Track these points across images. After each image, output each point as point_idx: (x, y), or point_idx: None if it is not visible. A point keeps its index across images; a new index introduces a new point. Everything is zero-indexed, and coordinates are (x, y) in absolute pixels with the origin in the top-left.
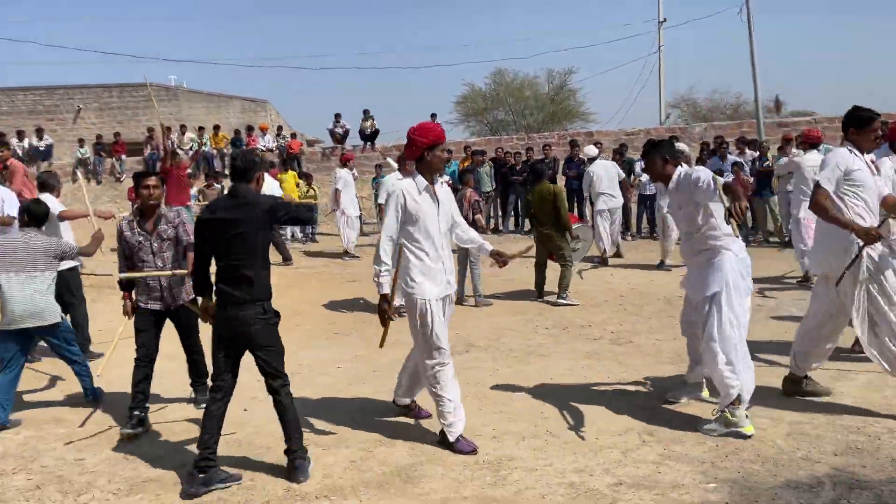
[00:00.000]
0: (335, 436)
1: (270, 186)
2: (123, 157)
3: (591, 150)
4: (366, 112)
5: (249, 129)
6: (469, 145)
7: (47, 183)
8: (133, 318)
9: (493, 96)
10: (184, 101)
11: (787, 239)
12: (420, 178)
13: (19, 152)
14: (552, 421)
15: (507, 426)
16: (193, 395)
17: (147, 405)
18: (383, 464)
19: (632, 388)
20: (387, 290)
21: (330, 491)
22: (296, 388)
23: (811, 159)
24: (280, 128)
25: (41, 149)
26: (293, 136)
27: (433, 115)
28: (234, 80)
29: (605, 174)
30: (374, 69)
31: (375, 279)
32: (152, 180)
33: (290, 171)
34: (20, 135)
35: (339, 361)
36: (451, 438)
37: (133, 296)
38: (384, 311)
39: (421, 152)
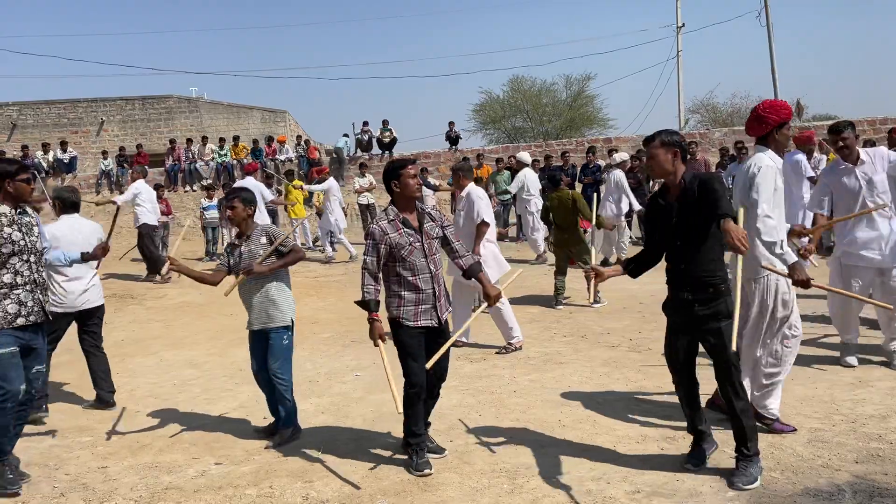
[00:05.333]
0: (353, 444)
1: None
2: (146, 168)
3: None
4: (385, 123)
5: (269, 139)
6: (482, 153)
7: (76, 202)
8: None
9: (510, 104)
10: (204, 113)
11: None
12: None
13: (44, 165)
14: (570, 429)
15: (525, 435)
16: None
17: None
18: (401, 472)
19: (650, 395)
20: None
21: (348, 499)
22: (313, 397)
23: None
24: (299, 137)
25: (66, 161)
26: (307, 142)
27: (451, 124)
28: (253, 91)
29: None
30: (392, 79)
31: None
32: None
33: (295, 182)
34: (45, 147)
35: (356, 369)
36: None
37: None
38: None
39: (771, 129)
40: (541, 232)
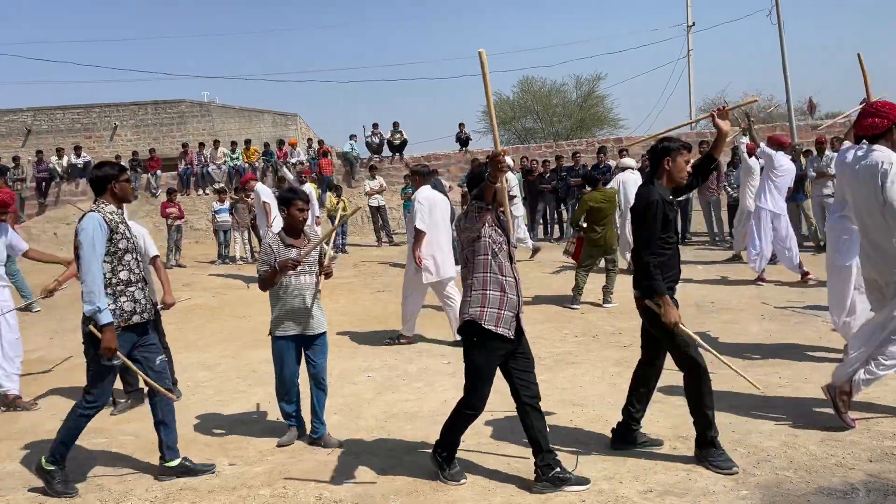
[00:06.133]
0: (365, 444)
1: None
2: (158, 172)
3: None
4: (395, 125)
5: (280, 142)
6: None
7: None
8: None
9: (520, 105)
10: (216, 117)
11: (822, 243)
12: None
13: (58, 170)
14: (581, 429)
15: None
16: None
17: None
18: (413, 472)
19: (662, 395)
20: None
21: (360, 498)
22: (326, 397)
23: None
24: (311, 140)
25: (79, 166)
26: (321, 142)
27: (461, 125)
28: (264, 95)
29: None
30: (402, 81)
31: None
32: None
33: (308, 184)
34: (59, 152)
35: (367, 370)
36: None
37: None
38: None
39: (890, 125)
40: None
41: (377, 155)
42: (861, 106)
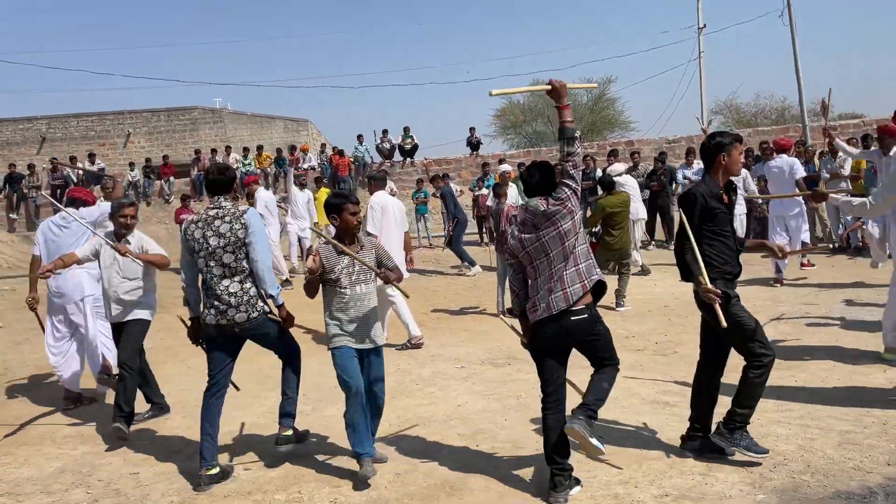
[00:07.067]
0: (379, 448)
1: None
2: (172, 178)
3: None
4: (406, 129)
5: (292, 148)
6: (504, 158)
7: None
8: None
9: (530, 108)
10: (229, 123)
11: (836, 245)
12: None
13: (73, 177)
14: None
15: None
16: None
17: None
18: (428, 476)
19: (677, 398)
20: None
21: (375, 503)
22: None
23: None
24: (324, 145)
25: (94, 172)
26: (334, 148)
27: (472, 129)
28: (276, 101)
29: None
30: (413, 86)
31: None
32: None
33: (322, 188)
34: (73, 160)
35: None
36: None
37: None
38: None
39: None
40: None
41: (389, 160)
42: None
